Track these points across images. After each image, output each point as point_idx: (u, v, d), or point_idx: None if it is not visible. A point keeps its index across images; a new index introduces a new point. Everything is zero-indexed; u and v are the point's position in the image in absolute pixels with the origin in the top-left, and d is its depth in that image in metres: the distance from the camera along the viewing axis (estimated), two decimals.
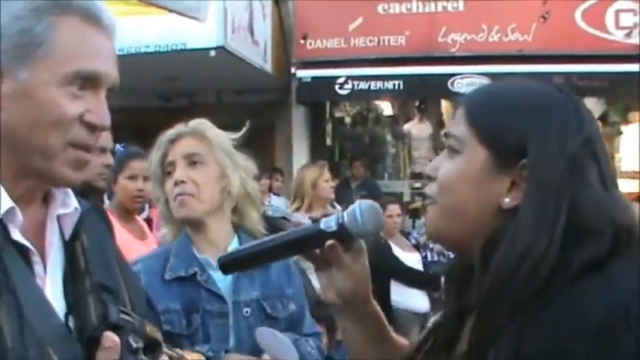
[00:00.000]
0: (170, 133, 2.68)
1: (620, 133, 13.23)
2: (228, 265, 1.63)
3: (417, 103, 13.43)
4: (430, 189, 1.38)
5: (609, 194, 1.28)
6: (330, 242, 1.47)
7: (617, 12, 11.38)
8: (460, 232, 1.33)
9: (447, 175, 1.33)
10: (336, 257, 1.49)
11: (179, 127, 2.70)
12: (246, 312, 2.56)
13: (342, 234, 1.48)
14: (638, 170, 10.82)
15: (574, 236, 1.21)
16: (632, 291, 1.15)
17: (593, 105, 13.03)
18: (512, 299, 1.19)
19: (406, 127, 13.50)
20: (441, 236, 1.40)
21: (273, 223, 5.27)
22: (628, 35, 11.31)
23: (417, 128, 13.25)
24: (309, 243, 1.52)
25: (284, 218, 5.34)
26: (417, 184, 12.93)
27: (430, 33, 11.50)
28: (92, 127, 1.32)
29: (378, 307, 1.60)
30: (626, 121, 13.26)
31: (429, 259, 6.88)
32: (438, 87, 11.38)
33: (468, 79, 11.02)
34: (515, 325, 1.17)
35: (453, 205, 1.32)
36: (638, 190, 9.62)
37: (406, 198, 12.77)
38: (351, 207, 1.50)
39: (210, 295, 2.54)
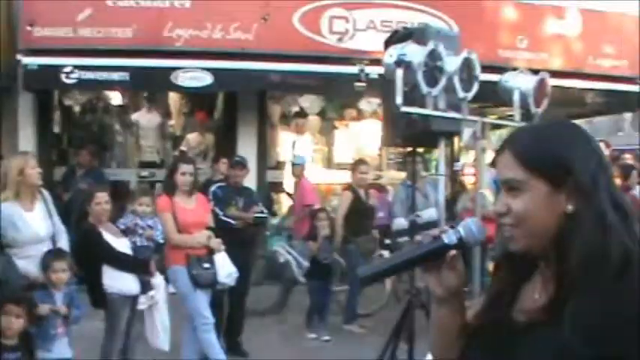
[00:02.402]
0: None
1: (335, 127, 14.34)
2: (367, 279, 2.00)
3: (145, 94, 13.74)
4: (507, 220, 1.77)
5: None
6: (454, 252, 1.87)
7: (331, 18, 12.24)
8: (540, 240, 1.75)
9: (522, 209, 1.74)
10: (454, 263, 1.88)
11: None
12: None
13: (459, 245, 1.85)
14: (351, 162, 11.64)
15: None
16: None
17: (312, 102, 14.03)
18: (591, 274, 1.63)
19: (135, 116, 13.68)
20: (527, 247, 1.78)
21: None
22: (340, 40, 12.24)
23: (146, 118, 13.48)
24: (435, 255, 1.87)
25: None
26: (144, 173, 13.23)
27: (157, 27, 11.74)
28: None
29: None
30: (342, 118, 14.37)
31: (138, 244, 7.22)
32: (163, 79, 11.60)
33: (190, 73, 11.41)
34: (597, 289, 1.62)
35: (533, 226, 1.74)
36: (350, 181, 10.58)
37: (133, 185, 13.01)
38: (462, 223, 1.87)
39: None
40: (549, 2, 13.80)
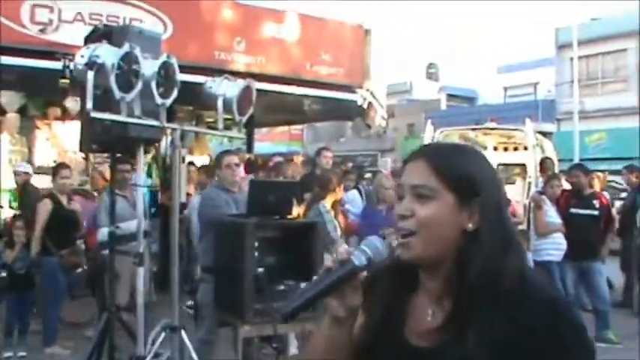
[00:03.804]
0: None
1: (37, 127, 13.39)
2: (291, 315, 1.84)
3: None
4: (408, 224, 1.82)
5: None
6: (364, 274, 1.85)
7: (34, 7, 11.25)
8: (436, 252, 1.81)
9: (427, 215, 1.81)
10: (357, 283, 1.85)
11: None
12: None
13: (368, 266, 1.84)
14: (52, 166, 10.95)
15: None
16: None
17: (11, 98, 12.95)
18: (488, 292, 1.74)
19: None
20: (421, 257, 1.83)
21: None
22: (43, 31, 11.26)
23: None
24: (348, 279, 1.83)
25: None
26: None
27: None
28: None
29: None
30: (45, 116, 13.40)
31: None
32: None
33: None
34: (497, 304, 1.73)
35: (433, 235, 1.80)
36: (50, 186, 9.79)
37: None
38: (367, 243, 1.85)
39: None
40: (268, 5, 13.65)
